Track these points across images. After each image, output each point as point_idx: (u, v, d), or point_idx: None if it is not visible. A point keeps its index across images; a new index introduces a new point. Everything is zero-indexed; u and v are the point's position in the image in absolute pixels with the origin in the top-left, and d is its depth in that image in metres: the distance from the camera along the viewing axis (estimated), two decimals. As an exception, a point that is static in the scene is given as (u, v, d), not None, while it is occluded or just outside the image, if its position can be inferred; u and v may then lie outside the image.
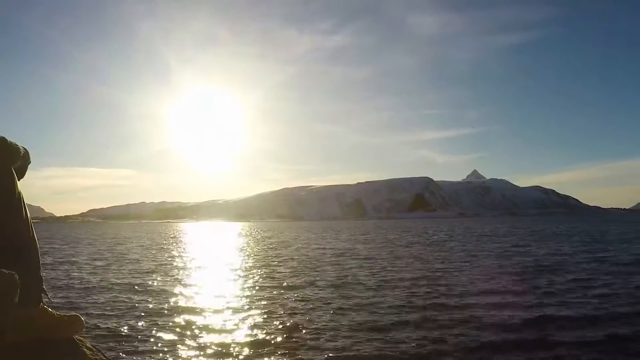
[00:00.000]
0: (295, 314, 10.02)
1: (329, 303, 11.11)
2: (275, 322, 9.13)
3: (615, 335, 8.07)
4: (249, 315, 9.94)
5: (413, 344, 7.57)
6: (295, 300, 11.75)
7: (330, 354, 7.08)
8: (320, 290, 13.21)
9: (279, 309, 10.46)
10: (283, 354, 7.19)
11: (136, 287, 14.05)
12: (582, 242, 32.49)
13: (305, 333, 8.30)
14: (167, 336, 8.26)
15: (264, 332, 8.48)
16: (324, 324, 9.03)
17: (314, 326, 8.79)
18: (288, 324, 8.92)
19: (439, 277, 15.54)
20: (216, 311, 10.42)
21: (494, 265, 18.66)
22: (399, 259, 22.35)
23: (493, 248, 28.76)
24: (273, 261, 22.47)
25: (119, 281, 15.29)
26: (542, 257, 21.65)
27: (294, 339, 7.92)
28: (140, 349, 7.49)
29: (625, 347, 7.52)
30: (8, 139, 2.10)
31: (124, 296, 12.28)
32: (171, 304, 11.28)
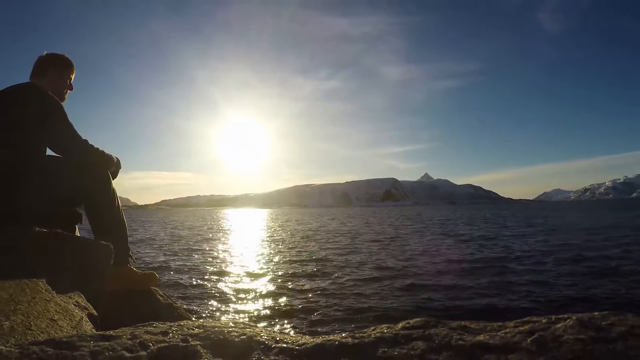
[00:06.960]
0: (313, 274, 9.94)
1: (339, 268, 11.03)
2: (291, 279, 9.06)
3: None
4: (284, 276, 9.85)
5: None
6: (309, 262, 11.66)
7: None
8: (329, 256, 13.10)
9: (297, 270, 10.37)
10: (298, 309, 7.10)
11: (196, 253, 13.97)
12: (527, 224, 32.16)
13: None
14: (217, 286, 8.19)
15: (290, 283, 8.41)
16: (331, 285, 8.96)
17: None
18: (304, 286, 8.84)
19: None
20: (256, 269, 10.35)
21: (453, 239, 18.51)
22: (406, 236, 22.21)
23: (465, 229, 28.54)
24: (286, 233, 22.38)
25: (183, 248, 15.21)
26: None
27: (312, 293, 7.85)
28: (198, 300, 7.46)
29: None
30: (106, 151, 2.21)
31: (189, 262, 12.21)
32: (220, 262, 11.22)
